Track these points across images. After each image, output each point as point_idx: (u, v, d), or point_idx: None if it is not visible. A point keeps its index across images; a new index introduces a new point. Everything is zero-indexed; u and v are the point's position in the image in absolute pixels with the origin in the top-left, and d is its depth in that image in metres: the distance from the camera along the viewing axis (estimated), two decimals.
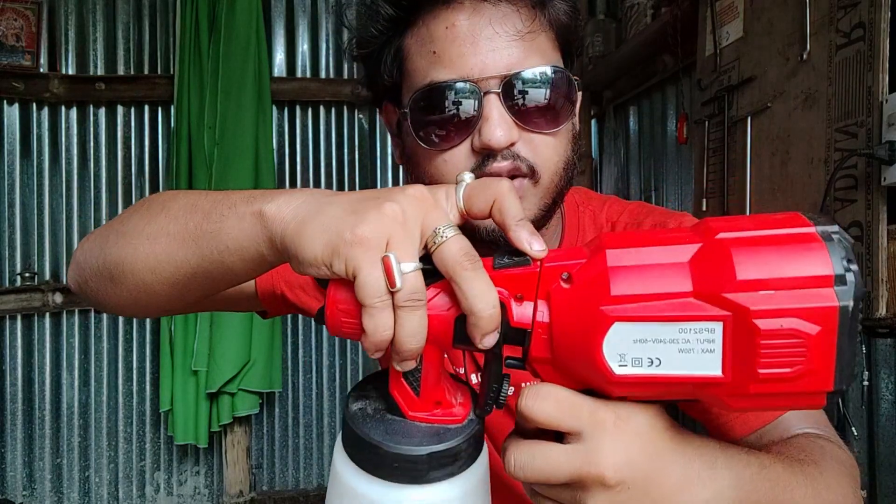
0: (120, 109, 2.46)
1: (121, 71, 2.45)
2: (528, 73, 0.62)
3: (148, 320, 2.46)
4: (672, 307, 0.35)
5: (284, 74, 2.55)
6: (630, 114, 2.38)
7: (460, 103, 0.63)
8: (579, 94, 0.74)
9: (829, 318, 0.34)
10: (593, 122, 2.63)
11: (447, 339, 0.41)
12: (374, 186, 2.65)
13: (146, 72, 2.46)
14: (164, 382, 2.30)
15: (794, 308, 0.34)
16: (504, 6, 0.63)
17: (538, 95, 0.63)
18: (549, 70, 0.63)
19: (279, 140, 2.55)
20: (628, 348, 0.37)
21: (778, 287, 0.34)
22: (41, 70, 2.35)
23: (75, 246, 2.41)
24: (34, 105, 2.39)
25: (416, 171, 0.69)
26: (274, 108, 2.48)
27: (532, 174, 0.64)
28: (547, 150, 0.65)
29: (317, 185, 2.58)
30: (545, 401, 0.40)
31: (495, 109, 0.62)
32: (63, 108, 2.42)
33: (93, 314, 2.43)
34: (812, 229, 0.36)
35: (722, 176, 1.52)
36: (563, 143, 0.67)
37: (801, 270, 0.34)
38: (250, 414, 2.37)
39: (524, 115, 0.63)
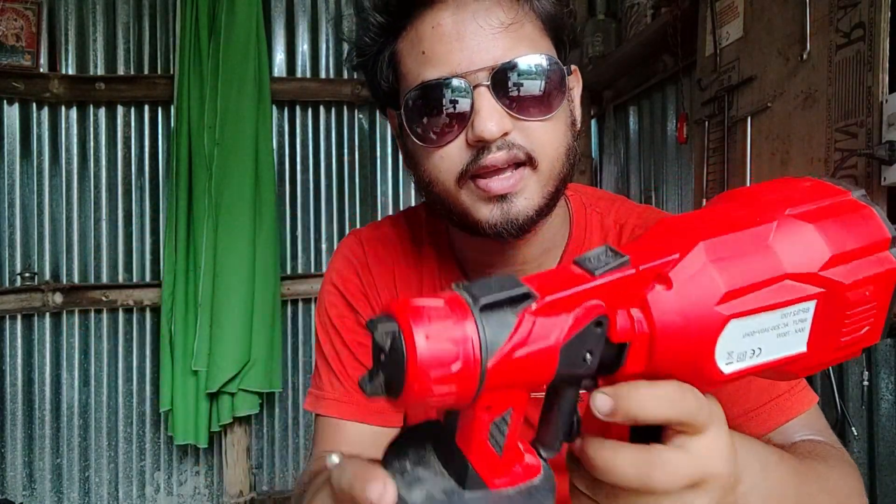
0: (120, 109, 2.46)
1: (121, 71, 2.45)
2: (515, 63, 0.63)
3: (148, 320, 2.47)
4: (775, 293, 0.34)
5: (284, 74, 2.55)
6: (630, 114, 2.38)
7: (451, 99, 0.63)
8: (578, 81, 0.74)
9: (891, 279, 0.36)
10: (593, 122, 2.63)
11: (548, 375, 0.33)
12: (375, 186, 2.65)
13: (146, 72, 2.46)
14: (164, 382, 2.30)
15: (872, 275, 0.35)
16: (486, 1, 0.64)
17: (528, 83, 0.63)
18: (536, 57, 0.64)
19: (279, 140, 2.55)
20: (737, 344, 0.35)
21: (857, 257, 0.35)
22: (41, 70, 2.35)
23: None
24: (34, 105, 2.39)
25: (417, 172, 0.70)
26: (274, 108, 2.48)
27: (530, 161, 0.64)
28: (543, 135, 0.65)
29: (317, 185, 2.59)
30: (656, 394, 0.35)
31: (486, 101, 0.62)
32: (63, 108, 2.42)
33: (93, 314, 2.43)
34: (850, 196, 0.37)
35: (722, 176, 1.52)
36: (560, 128, 0.67)
37: (869, 238, 0.36)
38: (250, 414, 2.37)
39: (516, 104, 0.63)
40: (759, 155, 1.41)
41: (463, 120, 0.64)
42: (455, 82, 0.63)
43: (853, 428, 1.23)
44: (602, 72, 2.32)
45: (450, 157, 0.65)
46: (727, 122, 1.49)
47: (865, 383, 1.24)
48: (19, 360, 2.38)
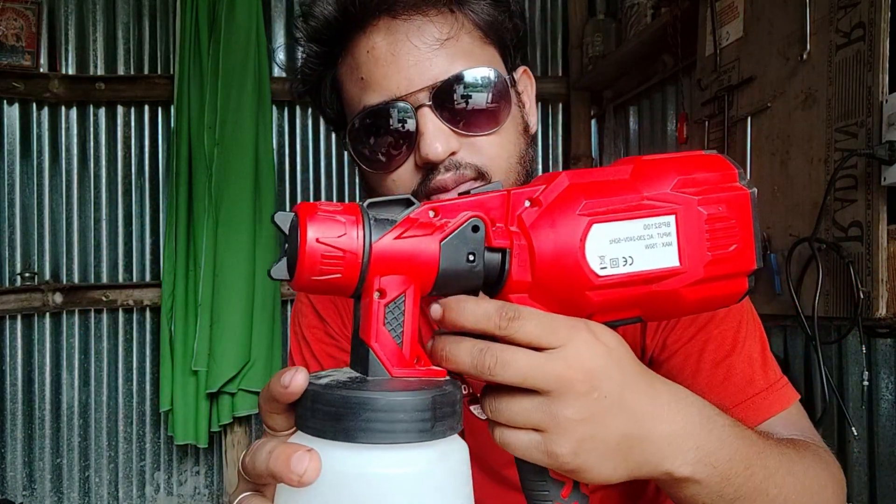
0: (120, 109, 2.46)
1: (121, 71, 2.45)
2: (455, 79, 0.62)
3: (148, 320, 2.47)
4: (633, 206, 0.40)
5: (284, 74, 2.55)
6: (630, 114, 2.38)
7: (395, 122, 0.62)
8: (530, 81, 0.73)
9: (744, 202, 0.42)
10: (593, 122, 2.63)
11: (432, 270, 0.38)
12: None
13: (146, 72, 2.46)
14: (164, 382, 2.30)
15: (723, 196, 0.42)
16: (417, 19, 0.63)
17: (471, 98, 0.62)
18: (476, 71, 0.63)
19: (279, 140, 2.55)
20: (606, 249, 0.40)
21: (706, 183, 0.42)
22: (41, 70, 2.34)
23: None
24: (34, 105, 2.39)
25: (373, 195, 0.69)
26: (274, 108, 2.48)
27: (481, 177, 0.63)
28: (492, 149, 0.64)
29: (317, 184, 2.59)
30: (527, 320, 0.39)
31: (430, 122, 0.61)
32: (63, 108, 2.42)
33: (93, 314, 2.43)
34: (702, 152, 0.45)
35: None
36: (510, 138, 0.66)
37: (716, 169, 0.43)
38: (250, 414, 2.37)
39: (461, 121, 0.62)
40: (759, 155, 1.41)
41: (409, 142, 0.63)
42: (397, 105, 0.62)
43: (853, 428, 1.23)
44: (602, 72, 2.32)
45: (401, 180, 0.65)
46: (727, 122, 1.49)
47: (865, 383, 1.24)
48: (19, 360, 2.37)
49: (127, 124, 2.47)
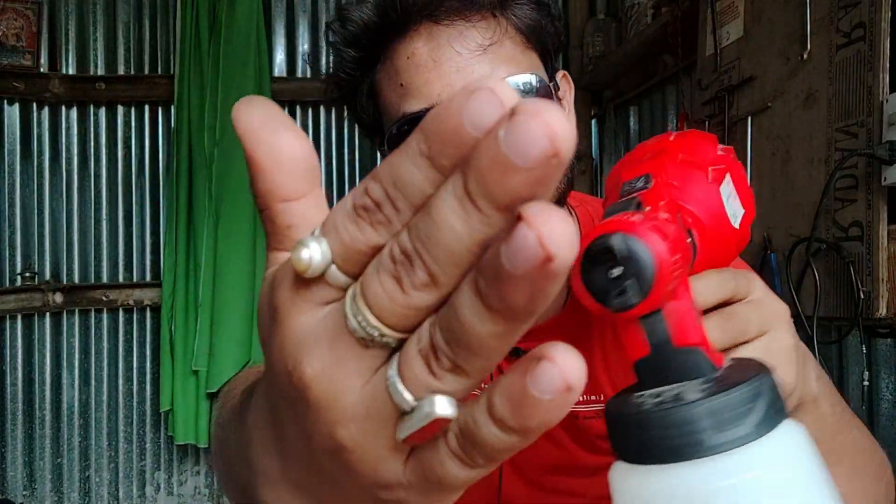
0: (120, 109, 2.46)
1: (121, 71, 2.45)
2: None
3: (148, 320, 2.47)
4: (718, 172, 0.44)
5: (284, 74, 2.55)
6: (630, 113, 2.38)
7: None
8: (569, 85, 0.73)
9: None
10: (593, 122, 2.63)
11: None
12: None
13: (146, 72, 2.46)
14: (165, 382, 2.30)
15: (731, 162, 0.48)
16: (459, 24, 0.61)
17: None
18: (520, 78, 0.62)
19: None
20: (730, 206, 0.43)
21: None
22: (41, 70, 2.34)
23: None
24: (34, 105, 2.39)
25: None
26: None
27: None
28: None
29: None
30: (755, 281, 0.43)
31: None
32: (63, 108, 2.42)
33: (93, 314, 2.43)
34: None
35: None
36: None
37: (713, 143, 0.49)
38: None
39: None
40: (759, 155, 1.41)
41: None
42: None
43: None
44: (602, 72, 2.32)
45: None
46: (727, 121, 1.49)
47: (865, 383, 1.24)
48: (19, 360, 2.38)
49: (127, 124, 2.47)
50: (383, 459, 0.20)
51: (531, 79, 0.62)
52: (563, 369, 0.17)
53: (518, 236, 0.15)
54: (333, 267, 0.19)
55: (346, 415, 0.20)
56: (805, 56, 1.27)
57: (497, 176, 0.16)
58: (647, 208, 0.36)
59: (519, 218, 0.16)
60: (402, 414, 0.19)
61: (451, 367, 0.18)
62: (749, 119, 1.42)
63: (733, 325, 0.40)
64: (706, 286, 0.41)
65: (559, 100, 0.69)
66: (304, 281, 0.19)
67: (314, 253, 0.19)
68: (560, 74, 0.72)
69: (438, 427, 0.19)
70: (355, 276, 0.19)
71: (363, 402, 0.20)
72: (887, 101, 1.08)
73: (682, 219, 0.38)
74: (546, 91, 0.64)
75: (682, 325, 0.32)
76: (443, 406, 0.19)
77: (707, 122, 1.58)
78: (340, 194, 2.60)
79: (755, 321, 0.41)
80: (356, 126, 0.77)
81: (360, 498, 0.22)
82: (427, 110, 0.60)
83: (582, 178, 2.56)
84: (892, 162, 1.05)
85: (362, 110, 0.69)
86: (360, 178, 2.64)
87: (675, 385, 0.32)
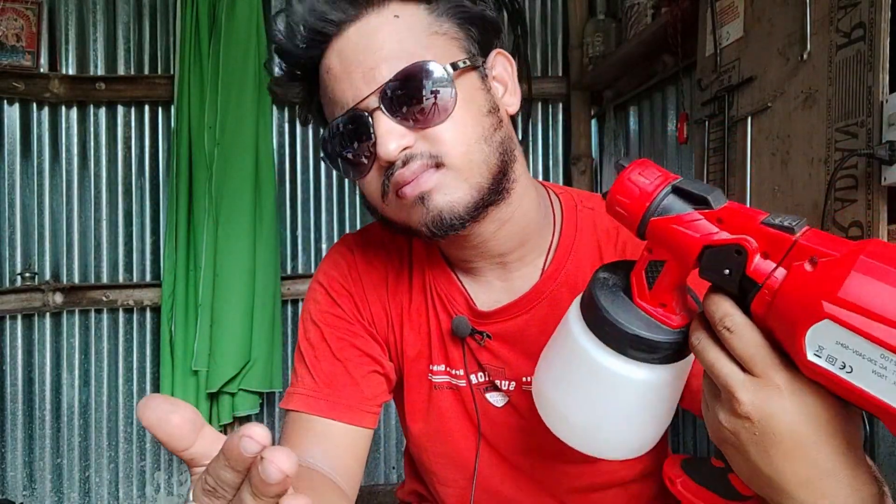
0: (120, 109, 2.46)
1: (121, 71, 2.45)
2: (396, 80, 0.65)
3: (148, 320, 2.47)
4: (885, 333, 0.36)
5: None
6: (630, 114, 2.38)
7: (353, 131, 0.67)
8: (510, 64, 0.76)
9: None
10: (593, 122, 2.63)
11: (690, 260, 0.45)
12: None
13: (146, 72, 2.46)
14: (164, 382, 2.30)
15: None
16: (361, 24, 0.67)
17: (413, 95, 0.65)
18: (414, 68, 0.65)
19: (279, 140, 2.55)
20: (829, 345, 0.38)
21: None
22: (41, 70, 2.34)
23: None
24: (34, 105, 2.39)
25: (364, 201, 0.77)
26: (274, 108, 2.48)
27: (438, 165, 0.66)
28: (446, 135, 0.67)
29: (317, 185, 2.58)
30: (737, 338, 0.43)
31: (381, 124, 0.65)
32: (63, 108, 2.42)
33: (93, 314, 2.43)
34: None
35: (722, 176, 1.52)
36: (467, 122, 0.68)
37: None
38: (250, 414, 2.37)
39: (409, 117, 0.65)
40: (759, 155, 1.41)
41: (371, 145, 0.67)
42: (352, 115, 0.67)
43: None
44: (602, 72, 2.32)
45: (371, 183, 0.70)
46: (727, 122, 1.49)
47: None
48: (19, 360, 2.38)
49: (127, 124, 2.47)
50: None
51: (428, 67, 0.66)
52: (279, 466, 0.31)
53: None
54: None
55: None
56: (805, 56, 1.27)
57: (264, 486, 0.31)
58: (709, 209, 0.44)
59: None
60: None
61: None
62: (749, 119, 1.42)
63: (699, 340, 0.47)
64: (710, 298, 0.45)
65: (484, 77, 0.72)
66: None
67: None
68: (493, 53, 0.75)
69: None
70: None
71: None
72: (887, 101, 1.08)
73: (754, 263, 0.42)
74: (443, 74, 0.66)
75: (638, 262, 0.50)
76: None
77: (707, 122, 1.58)
78: (339, 194, 2.60)
79: (710, 355, 0.46)
80: None
81: None
82: (343, 115, 0.67)
83: (582, 178, 2.56)
84: (892, 162, 1.05)
85: (319, 124, 0.76)
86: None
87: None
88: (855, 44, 1.15)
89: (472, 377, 0.81)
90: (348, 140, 0.68)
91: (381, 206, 0.71)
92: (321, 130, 0.74)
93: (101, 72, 2.43)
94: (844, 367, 0.37)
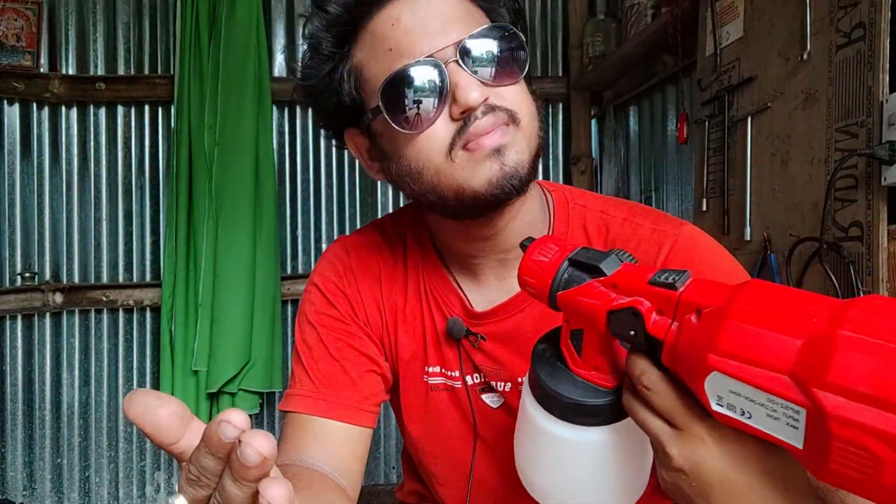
0: (120, 109, 2.46)
1: (121, 71, 2.45)
2: (478, 35, 0.67)
3: (148, 320, 2.47)
4: (766, 378, 0.36)
5: (284, 74, 2.55)
6: (630, 114, 2.38)
7: (427, 80, 0.66)
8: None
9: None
10: (593, 122, 2.63)
11: (601, 326, 0.47)
12: (375, 186, 2.65)
13: (146, 72, 2.46)
14: (164, 382, 2.30)
15: (874, 427, 0.32)
16: None
17: (493, 52, 0.67)
18: (497, 27, 0.68)
19: (279, 140, 2.55)
20: (725, 394, 0.39)
21: (866, 402, 0.32)
22: (41, 70, 2.35)
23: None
24: (34, 105, 2.39)
25: (400, 169, 0.71)
26: (274, 108, 2.48)
27: (513, 119, 0.67)
28: (516, 96, 0.68)
29: (317, 185, 2.59)
30: (655, 395, 0.45)
31: (461, 74, 0.65)
32: (63, 108, 2.42)
33: (93, 314, 2.43)
34: None
35: (722, 176, 1.52)
36: (527, 91, 0.71)
37: None
38: (250, 414, 2.37)
39: (486, 74, 0.67)
40: (759, 155, 1.41)
41: (442, 97, 0.66)
42: (428, 63, 0.66)
43: None
44: (602, 72, 2.32)
45: (436, 136, 0.67)
46: (727, 122, 1.49)
47: None
48: (19, 360, 2.38)
49: (127, 124, 2.47)
50: None
51: (507, 28, 0.69)
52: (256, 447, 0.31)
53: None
54: None
55: None
56: (805, 56, 1.26)
57: (244, 470, 0.31)
58: (603, 277, 0.48)
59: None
60: None
61: None
62: (749, 119, 1.42)
63: (629, 395, 0.49)
64: (631, 358, 0.47)
65: (525, 56, 0.75)
66: None
67: (180, 500, 0.34)
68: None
69: None
70: None
71: None
72: (887, 101, 1.08)
73: (651, 322, 0.45)
74: (520, 40, 0.69)
75: (563, 335, 0.52)
76: None
77: (707, 122, 1.58)
78: (339, 194, 2.60)
79: (640, 415, 0.48)
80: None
81: None
82: (417, 62, 0.65)
83: (581, 177, 2.56)
84: (892, 162, 1.05)
85: (345, 93, 0.72)
86: (360, 178, 2.65)
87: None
88: (855, 44, 1.15)
89: (468, 378, 0.81)
90: (414, 89, 0.65)
91: (443, 161, 0.67)
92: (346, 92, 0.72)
93: (101, 72, 2.43)
94: (744, 413, 0.38)
